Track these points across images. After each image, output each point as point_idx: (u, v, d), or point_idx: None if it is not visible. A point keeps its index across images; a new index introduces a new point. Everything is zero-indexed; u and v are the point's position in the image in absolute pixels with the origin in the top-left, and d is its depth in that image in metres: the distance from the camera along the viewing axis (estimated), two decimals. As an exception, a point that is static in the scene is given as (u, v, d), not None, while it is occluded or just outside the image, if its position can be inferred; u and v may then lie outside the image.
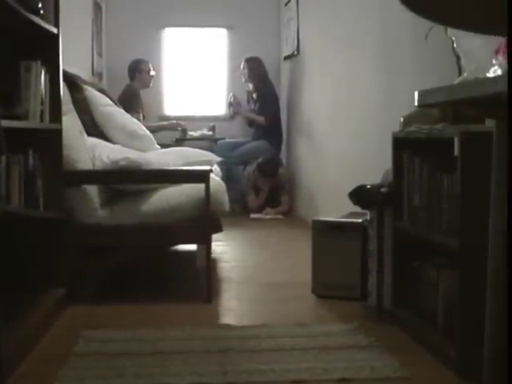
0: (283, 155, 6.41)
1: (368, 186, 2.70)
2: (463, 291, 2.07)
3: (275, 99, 6.17)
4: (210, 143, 6.38)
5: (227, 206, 3.10)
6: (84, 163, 2.99)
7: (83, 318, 2.72)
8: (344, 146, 4.42)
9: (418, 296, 2.51)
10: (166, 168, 3.03)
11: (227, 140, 6.36)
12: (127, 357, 2.27)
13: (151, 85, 6.10)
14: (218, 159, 3.58)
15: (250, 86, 6.21)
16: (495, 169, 1.80)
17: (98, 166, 3.00)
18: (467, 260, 2.04)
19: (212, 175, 3.10)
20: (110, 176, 2.96)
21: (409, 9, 0.56)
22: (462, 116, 2.29)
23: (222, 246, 4.51)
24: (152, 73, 6.06)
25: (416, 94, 1.75)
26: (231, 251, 4.33)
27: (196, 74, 6.86)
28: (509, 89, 0.61)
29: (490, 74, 1.53)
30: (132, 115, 5.61)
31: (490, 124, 2.34)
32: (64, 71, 3.21)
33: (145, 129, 3.50)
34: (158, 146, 3.55)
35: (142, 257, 3.59)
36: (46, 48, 2.78)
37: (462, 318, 2.08)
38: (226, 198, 3.08)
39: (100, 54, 5.95)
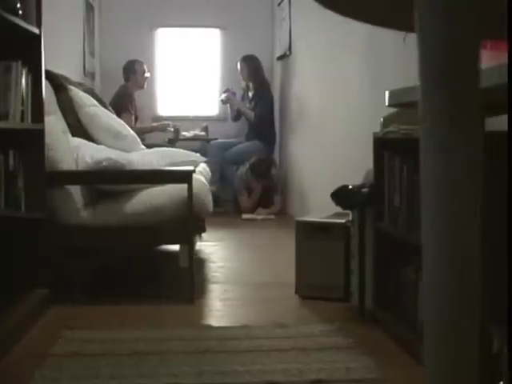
0: (276, 155, 6.41)
1: (350, 187, 2.69)
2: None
3: (270, 99, 6.16)
4: (202, 143, 6.38)
5: (210, 207, 3.10)
6: (67, 163, 2.99)
7: (65, 319, 2.72)
8: (333, 146, 4.42)
9: (399, 297, 2.50)
10: (148, 168, 3.03)
11: (220, 140, 6.35)
12: (104, 357, 2.26)
13: (145, 86, 6.09)
14: (203, 159, 3.58)
15: (249, 84, 6.19)
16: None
17: (82, 166, 3.00)
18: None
19: (196, 176, 3.10)
20: (91, 176, 2.95)
21: (322, 6, 0.55)
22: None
23: (211, 246, 4.51)
24: (147, 74, 6.05)
25: (387, 93, 1.75)
26: (220, 251, 4.33)
27: (189, 74, 6.85)
28: (509, 88, 0.61)
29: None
30: (124, 116, 5.64)
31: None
32: (49, 72, 3.21)
33: (129, 129, 3.50)
34: (143, 147, 3.54)
35: (126, 257, 3.58)
36: (28, 48, 2.77)
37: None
38: (209, 199, 3.07)
39: (92, 55, 5.95)
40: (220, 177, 6.06)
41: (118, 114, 5.69)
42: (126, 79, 5.97)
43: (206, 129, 6.47)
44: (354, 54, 3.90)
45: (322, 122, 4.80)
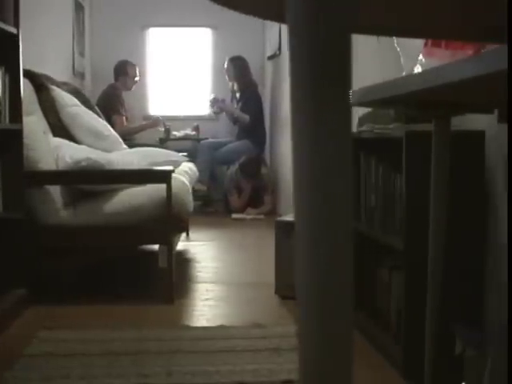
0: (267, 155, 6.40)
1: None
2: (408, 292, 2.06)
3: (258, 99, 6.15)
4: (193, 143, 6.37)
5: (191, 207, 3.09)
6: (47, 164, 2.99)
7: (42, 319, 2.71)
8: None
9: (374, 297, 2.50)
10: (126, 168, 3.02)
11: (210, 140, 6.34)
12: (77, 357, 2.26)
13: (133, 88, 6.08)
14: (185, 159, 3.57)
15: (234, 85, 6.20)
16: (434, 168, 1.79)
17: (62, 166, 2.99)
18: (412, 261, 2.03)
19: (176, 175, 3.09)
20: (69, 176, 2.95)
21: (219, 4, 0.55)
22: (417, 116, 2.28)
23: (198, 245, 4.50)
24: (137, 78, 6.04)
25: (350, 93, 1.74)
26: (206, 251, 4.32)
27: (180, 73, 6.85)
28: (509, 88, 0.60)
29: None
30: (115, 118, 5.63)
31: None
32: (29, 71, 3.20)
33: (111, 129, 3.50)
34: (125, 146, 3.53)
35: (107, 257, 3.57)
36: (6, 48, 2.77)
37: (406, 319, 2.07)
38: (189, 199, 3.07)
39: (82, 54, 5.94)
40: (210, 176, 6.05)
41: (108, 116, 5.70)
42: (116, 78, 5.95)
43: (196, 128, 6.46)
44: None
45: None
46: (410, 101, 1.63)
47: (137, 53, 6.51)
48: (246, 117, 6.03)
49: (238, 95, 6.20)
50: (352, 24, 0.51)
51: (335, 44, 0.48)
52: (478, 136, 2.07)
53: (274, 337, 2.46)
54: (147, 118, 6.61)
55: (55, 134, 3.27)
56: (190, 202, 3.07)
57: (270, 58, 6.25)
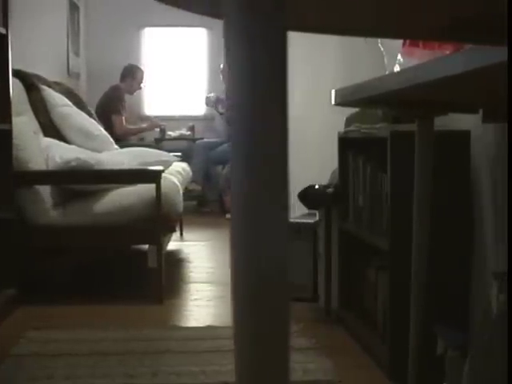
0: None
1: (316, 187, 2.68)
2: (393, 292, 2.05)
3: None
4: (189, 143, 6.37)
5: (180, 207, 3.08)
6: (36, 164, 2.98)
7: (31, 319, 2.71)
8: (312, 145, 4.40)
9: (362, 297, 2.49)
10: (115, 168, 3.02)
11: (205, 140, 6.34)
12: (64, 358, 2.26)
13: (135, 94, 6.08)
14: (176, 159, 3.56)
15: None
16: (417, 168, 1.79)
17: (51, 166, 2.99)
18: (396, 261, 2.03)
19: (166, 176, 3.09)
20: (58, 176, 2.94)
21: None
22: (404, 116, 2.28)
23: (191, 245, 4.50)
24: (142, 85, 6.03)
25: (333, 92, 1.74)
26: (199, 251, 4.32)
27: (175, 73, 6.84)
28: (509, 88, 0.60)
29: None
30: (115, 118, 5.63)
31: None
32: (20, 71, 3.20)
33: (101, 128, 3.49)
34: (116, 146, 3.53)
35: (98, 257, 3.57)
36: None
37: (392, 319, 2.06)
38: (179, 199, 3.06)
39: (77, 54, 5.93)
40: (205, 176, 6.05)
41: (108, 115, 5.69)
42: (122, 80, 5.92)
43: (192, 128, 6.46)
44: (329, 52, 3.89)
45: (301, 122, 4.79)
46: (390, 101, 1.62)
47: (132, 53, 6.51)
48: None
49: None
50: (289, 22, 0.51)
51: (271, 41, 0.48)
52: (464, 136, 2.06)
53: (262, 337, 2.45)
54: (143, 117, 6.60)
55: (46, 134, 3.27)
56: (180, 202, 3.06)
57: (266, 57, 6.24)
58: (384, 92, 1.31)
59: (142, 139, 6.11)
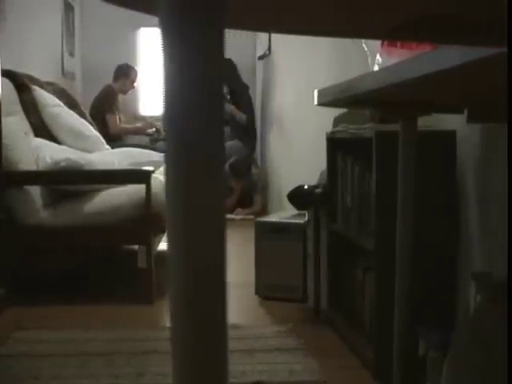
0: (258, 155, 6.39)
1: (305, 187, 2.68)
2: (378, 292, 2.05)
3: (249, 100, 6.15)
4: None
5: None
6: (27, 164, 2.98)
7: (20, 319, 2.71)
8: (309, 145, 4.40)
9: (350, 298, 2.49)
10: (105, 168, 3.01)
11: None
12: (51, 358, 2.26)
13: (129, 93, 6.09)
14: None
15: (224, 88, 6.19)
16: (401, 169, 1.79)
17: (42, 166, 2.99)
18: (382, 261, 2.02)
19: (157, 176, 3.08)
20: (49, 177, 2.94)
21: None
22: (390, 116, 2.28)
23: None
24: (135, 84, 6.04)
25: (315, 92, 1.74)
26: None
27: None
28: (508, 89, 0.60)
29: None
30: (109, 117, 5.63)
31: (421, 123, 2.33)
32: (10, 71, 3.20)
33: (92, 129, 3.49)
34: (108, 147, 3.53)
35: (87, 257, 3.56)
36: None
37: (377, 319, 2.06)
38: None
39: (72, 54, 5.93)
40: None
41: (102, 115, 5.69)
42: (115, 79, 5.92)
43: (187, 129, 6.45)
44: (322, 52, 3.89)
45: (297, 121, 4.80)
46: (371, 101, 1.62)
47: (128, 53, 6.50)
48: (243, 115, 6.04)
49: (228, 97, 6.19)
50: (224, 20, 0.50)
51: (207, 40, 0.47)
52: (449, 136, 2.06)
53: (249, 338, 2.46)
54: (138, 117, 6.60)
55: (37, 135, 3.26)
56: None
57: (261, 57, 6.24)
58: (361, 92, 1.31)
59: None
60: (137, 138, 6.13)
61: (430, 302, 2.03)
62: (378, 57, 1.44)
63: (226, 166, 5.79)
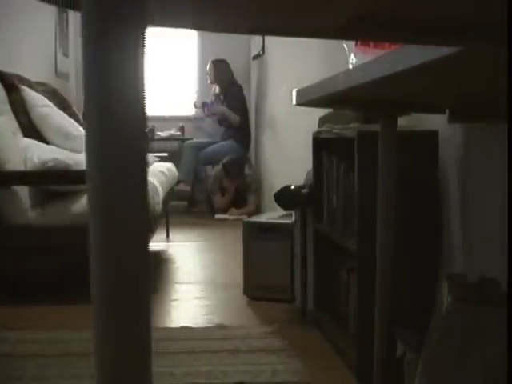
0: (252, 155, 6.39)
1: (292, 187, 2.67)
2: (361, 293, 2.04)
3: (242, 99, 6.14)
4: (179, 143, 6.36)
5: (158, 208, 3.08)
6: (15, 164, 2.98)
7: (6, 319, 2.70)
8: (300, 145, 4.40)
9: (336, 298, 2.49)
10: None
11: (195, 140, 6.33)
12: (34, 358, 2.25)
13: None
14: (156, 160, 3.55)
15: (217, 88, 6.19)
16: (381, 169, 1.78)
17: (30, 167, 2.99)
18: (364, 261, 2.02)
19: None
20: (36, 177, 2.94)
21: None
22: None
23: (176, 246, 4.49)
24: None
25: (294, 92, 1.73)
26: (183, 252, 4.31)
27: (165, 74, 6.83)
28: (508, 89, 0.59)
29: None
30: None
31: (402, 123, 2.32)
32: (0, 72, 3.19)
33: (80, 129, 3.48)
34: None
35: (75, 257, 3.55)
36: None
37: (359, 320, 2.06)
38: (157, 200, 3.05)
39: (66, 55, 5.92)
40: (194, 177, 6.05)
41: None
42: None
43: (182, 129, 6.45)
44: (313, 52, 3.89)
45: (288, 121, 4.79)
46: (341, 100, 1.61)
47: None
48: (237, 117, 6.04)
49: (222, 97, 6.19)
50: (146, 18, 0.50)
51: (128, 37, 0.47)
52: (432, 136, 2.06)
53: (235, 338, 2.45)
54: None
55: (26, 135, 3.26)
56: (157, 204, 3.05)
57: (255, 57, 6.24)
58: (332, 92, 1.31)
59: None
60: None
61: (411, 303, 2.03)
62: (352, 56, 1.44)
63: (220, 166, 5.79)
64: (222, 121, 6.18)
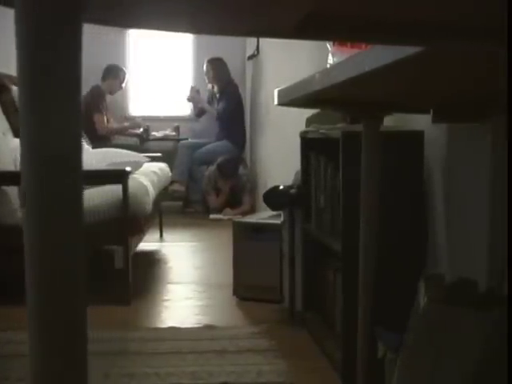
0: (247, 155, 6.38)
1: (280, 187, 2.67)
2: (345, 294, 2.04)
3: (237, 98, 6.13)
4: (174, 144, 6.36)
5: (149, 208, 3.07)
6: (4, 164, 2.97)
7: (-4, 320, 2.70)
8: (294, 144, 4.39)
9: (323, 299, 2.48)
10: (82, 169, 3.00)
11: (190, 140, 6.33)
12: (21, 359, 2.25)
13: (114, 94, 6.10)
14: (147, 160, 3.55)
15: (215, 86, 6.18)
16: (364, 169, 1.78)
17: (19, 167, 2.98)
18: (348, 262, 2.01)
19: (135, 176, 3.08)
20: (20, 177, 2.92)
21: None
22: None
23: (169, 246, 4.49)
24: (123, 85, 6.06)
25: (275, 92, 1.73)
26: (176, 252, 4.30)
27: (161, 74, 6.82)
28: (508, 89, 0.59)
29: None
30: (96, 116, 5.63)
31: (387, 123, 2.32)
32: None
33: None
34: (87, 147, 3.52)
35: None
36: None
37: (344, 321, 2.05)
38: (146, 200, 3.05)
39: (61, 54, 5.91)
40: (189, 177, 6.04)
41: (90, 115, 5.70)
42: (103, 79, 5.94)
43: (177, 129, 6.45)
44: (306, 53, 3.88)
45: (282, 121, 4.79)
46: (327, 101, 1.61)
47: (117, 53, 6.50)
48: (214, 111, 6.07)
49: (218, 96, 6.19)
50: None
51: (65, 34, 0.47)
52: (417, 136, 2.05)
53: (223, 338, 2.45)
54: (128, 118, 6.59)
55: (16, 135, 3.25)
56: (147, 204, 3.05)
57: (250, 57, 6.23)
58: (310, 92, 1.30)
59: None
60: (123, 139, 6.13)
61: (396, 303, 2.02)
62: (330, 56, 1.43)
63: (214, 166, 5.78)
64: (200, 112, 6.22)
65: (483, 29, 0.72)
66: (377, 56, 0.93)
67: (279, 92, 1.68)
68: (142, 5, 0.51)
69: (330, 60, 1.43)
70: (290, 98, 1.55)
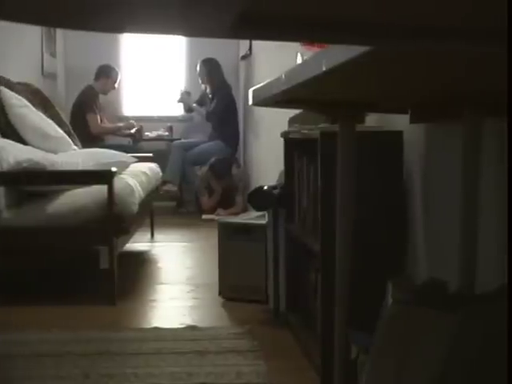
0: (240, 156, 6.38)
1: (264, 188, 2.66)
2: (324, 294, 2.04)
3: (230, 99, 6.12)
4: (167, 144, 6.36)
5: (134, 208, 3.07)
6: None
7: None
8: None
9: (305, 299, 2.48)
10: (67, 169, 3.00)
11: (183, 140, 6.32)
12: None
13: (108, 94, 6.10)
14: (134, 160, 3.54)
15: (207, 87, 6.17)
16: (340, 169, 1.77)
17: (5, 167, 2.97)
18: (327, 262, 2.01)
19: (122, 176, 3.07)
20: (11, 177, 2.93)
21: None
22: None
23: (160, 246, 4.49)
24: (116, 85, 6.06)
25: (250, 92, 1.72)
26: (167, 252, 4.30)
27: (154, 74, 6.82)
28: (508, 88, 0.58)
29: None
30: (89, 116, 5.63)
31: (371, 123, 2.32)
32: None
33: (58, 129, 3.48)
34: (75, 147, 3.51)
35: (52, 258, 3.54)
36: None
37: (323, 321, 2.05)
38: (132, 200, 3.04)
39: (53, 55, 5.91)
40: (182, 177, 6.04)
41: (83, 115, 5.70)
42: (96, 79, 5.94)
43: (170, 129, 6.45)
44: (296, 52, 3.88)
45: (275, 122, 4.78)
46: (286, 100, 1.60)
47: (111, 53, 6.49)
48: (202, 111, 6.08)
49: (210, 96, 6.18)
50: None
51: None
52: (396, 136, 2.05)
53: (205, 339, 2.44)
54: (121, 118, 6.58)
55: (4, 135, 3.25)
56: (133, 204, 3.04)
57: (243, 58, 6.23)
58: (277, 92, 1.30)
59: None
60: (117, 139, 6.13)
61: (374, 304, 2.01)
62: (298, 56, 1.43)
63: (207, 167, 5.78)
64: (190, 110, 6.24)
65: (448, 29, 0.72)
66: (332, 55, 0.93)
67: (253, 92, 1.67)
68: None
69: (299, 59, 1.42)
70: (262, 98, 1.55)
